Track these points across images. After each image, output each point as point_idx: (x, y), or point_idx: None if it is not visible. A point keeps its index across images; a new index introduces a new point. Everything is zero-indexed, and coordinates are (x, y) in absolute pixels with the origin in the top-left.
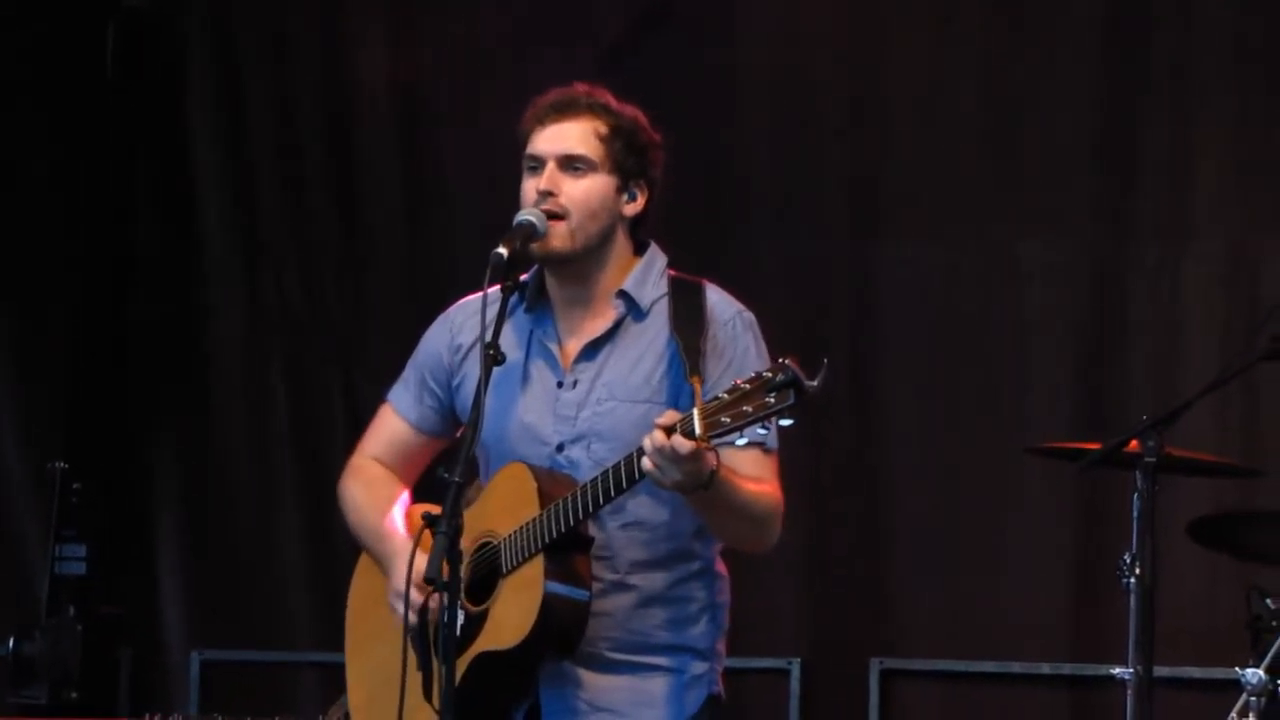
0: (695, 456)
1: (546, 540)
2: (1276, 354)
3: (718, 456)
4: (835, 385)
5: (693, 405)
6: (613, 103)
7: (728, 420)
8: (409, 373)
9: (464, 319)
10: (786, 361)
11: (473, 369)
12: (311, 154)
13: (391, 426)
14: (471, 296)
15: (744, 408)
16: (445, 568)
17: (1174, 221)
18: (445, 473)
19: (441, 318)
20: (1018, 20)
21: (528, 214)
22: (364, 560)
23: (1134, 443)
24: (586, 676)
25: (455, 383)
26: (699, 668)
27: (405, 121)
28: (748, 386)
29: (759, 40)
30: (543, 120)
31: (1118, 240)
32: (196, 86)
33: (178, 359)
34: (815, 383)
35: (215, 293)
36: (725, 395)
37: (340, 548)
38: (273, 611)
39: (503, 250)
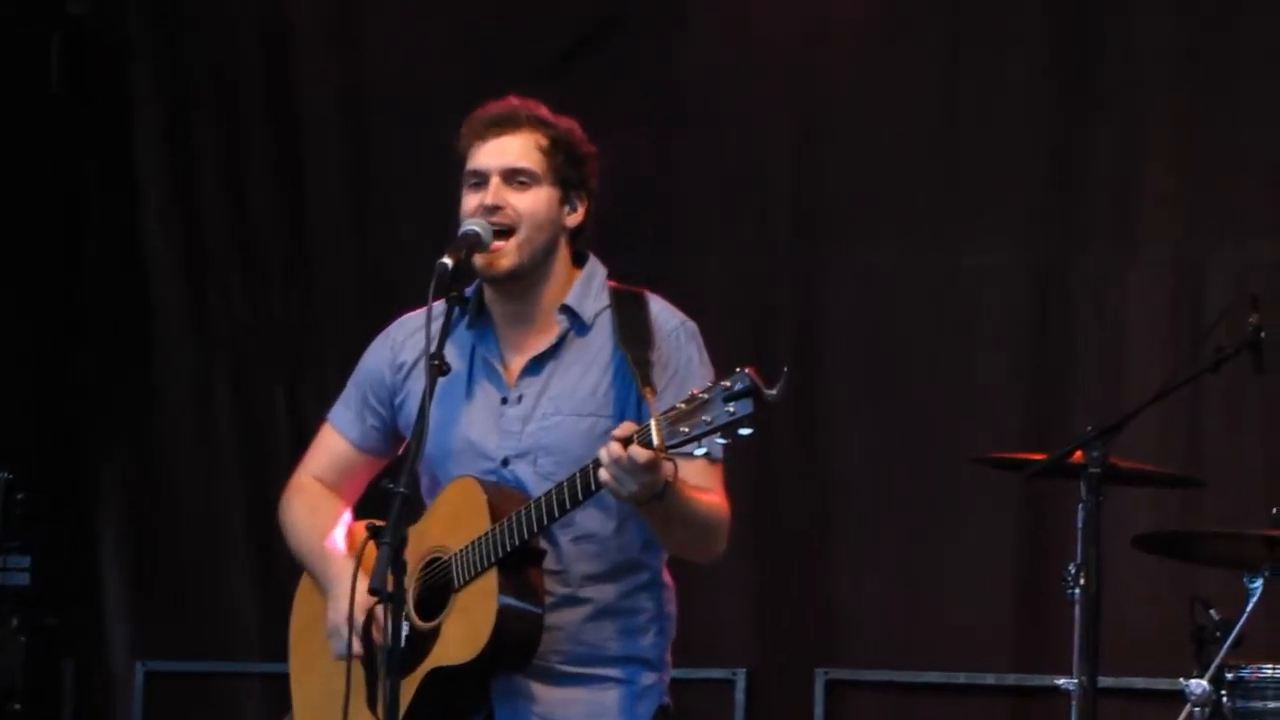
0: (653, 467)
1: (500, 555)
2: (1221, 365)
3: (675, 467)
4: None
5: (648, 418)
6: (549, 115)
7: (686, 430)
8: (350, 391)
9: (405, 336)
10: (745, 370)
11: (416, 386)
12: (258, 163)
13: (333, 445)
14: (412, 313)
15: (703, 417)
16: (390, 579)
17: (1119, 229)
18: (389, 483)
19: (382, 336)
20: (963, 28)
21: (473, 224)
22: (306, 581)
23: (1079, 453)
24: (539, 690)
25: (398, 401)
26: (649, 678)
27: (352, 131)
28: (705, 396)
29: (704, 48)
30: (483, 135)
31: (1063, 248)
32: (141, 95)
33: (123, 370)
34: (774, 391)
35: (162, 304)
36: (682, 405)
37: (285, 559)
38: (218, 622)
39: (448, 261)
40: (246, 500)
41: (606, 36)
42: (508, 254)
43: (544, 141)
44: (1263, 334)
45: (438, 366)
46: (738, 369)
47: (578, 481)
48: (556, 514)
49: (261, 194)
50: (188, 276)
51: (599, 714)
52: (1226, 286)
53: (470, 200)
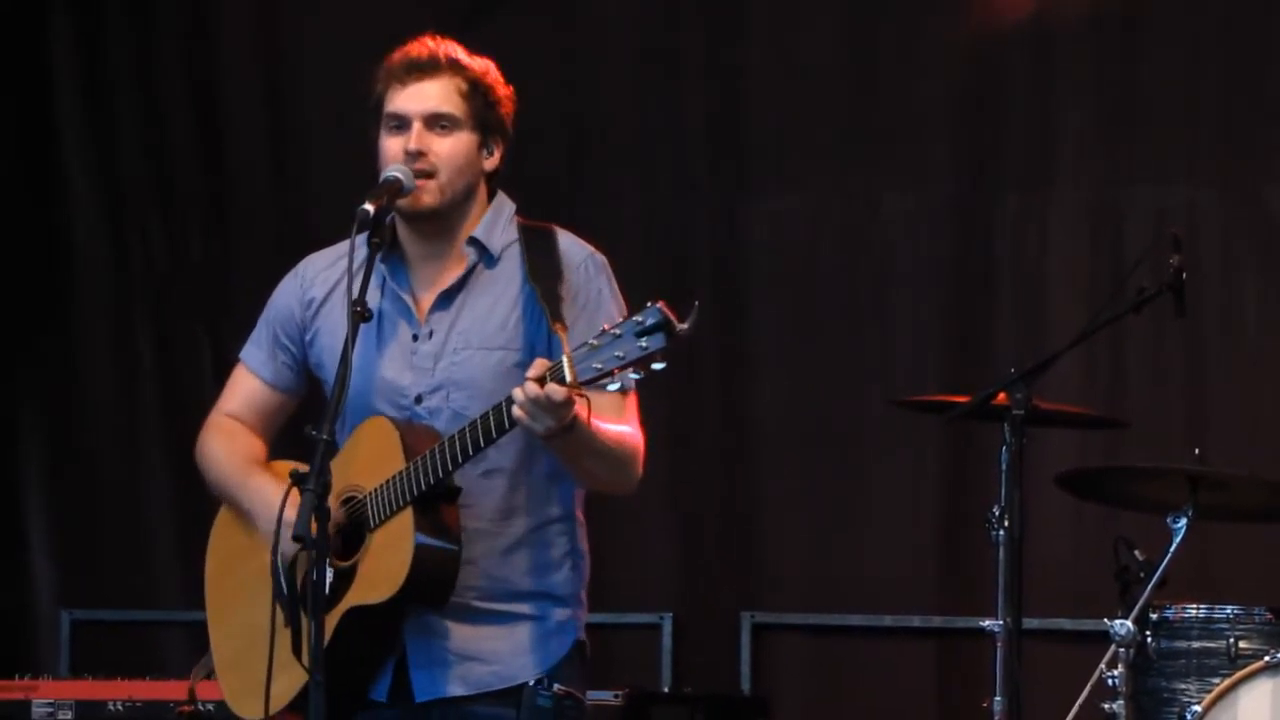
0: (567, 403)
1: (414, 493)
2: (1143, 307)
3: (588, 402)
4: (702, 337)
5: (559, 352)
6: (467, 57)
7: (599, 365)
8: (261, 330)
9: (314, 273)
10: (657, 304)
11: (325, 324)
12: (174, 105)
13: (246, 385)
14: (320, 251)
15: (615, 352)
16: (314, 525)
17: (1038, 172)
18: (313, 430)
19: (291, 274)
20: None
21: (395, 170)
22: (224, 515)
23: (1002, 395)
24: (452, 627)
25: (308, 337)
26: (562, 614)
27: (270, 71)
28: (617, 331)
29: None
30: (402, 79)
31: (982, 191)
32: (59, 36)
33: (41, 315)
34: (686, 325)
35: (79, 247)
36: (594, 341)
37: (208, 506)
38: (142, 571)
39: (369, 206)
40: (169, 447)
41: None
42: (429, 192)
43: (464, 86)
44: (1184, 275)
45: (360, 313)
46: (649, 303)
47: (491, 419)
48: (470, 452)
49: (179, 135)
50: (107, 220)
51: (512, 650)
52: (1145, 229)
53: (392, 144)
